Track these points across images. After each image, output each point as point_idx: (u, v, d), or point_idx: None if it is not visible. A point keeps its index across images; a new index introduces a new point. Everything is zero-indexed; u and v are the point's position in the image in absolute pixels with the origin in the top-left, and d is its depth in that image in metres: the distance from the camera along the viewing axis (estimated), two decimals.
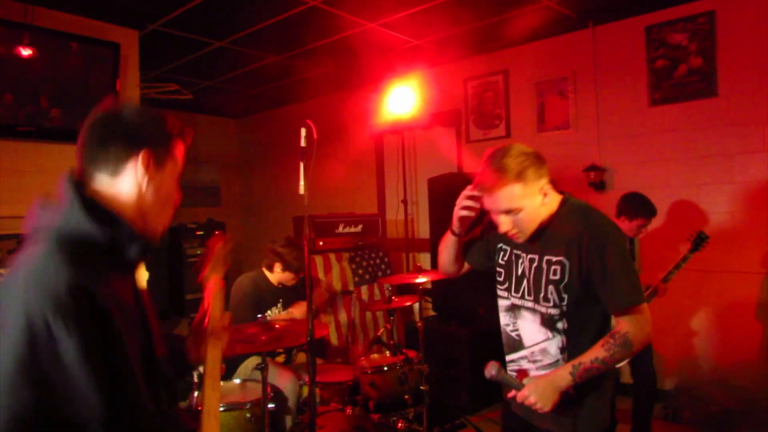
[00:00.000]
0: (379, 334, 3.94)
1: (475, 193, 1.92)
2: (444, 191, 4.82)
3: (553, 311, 1.82)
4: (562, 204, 1.90)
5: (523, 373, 1.92)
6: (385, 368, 3.17)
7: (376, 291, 4.94)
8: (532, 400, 1.75)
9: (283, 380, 3.18)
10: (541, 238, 1.87)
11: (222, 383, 3.04)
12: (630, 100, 4.62)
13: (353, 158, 6.70)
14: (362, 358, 3.57)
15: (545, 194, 1.84)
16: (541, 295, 1.85)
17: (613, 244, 1.76)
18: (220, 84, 6.34)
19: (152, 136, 1.33)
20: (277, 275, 3.61)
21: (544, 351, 1.88)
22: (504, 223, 1.84)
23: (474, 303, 4.67)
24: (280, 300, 3.65)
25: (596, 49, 4.78)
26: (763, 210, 4.00)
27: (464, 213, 2.02)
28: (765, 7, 3.97)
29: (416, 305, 3.84)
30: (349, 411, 3.11)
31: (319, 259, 4.61)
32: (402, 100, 5.10)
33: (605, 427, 1.91)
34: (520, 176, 1.79)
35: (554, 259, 1.82)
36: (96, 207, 1.22)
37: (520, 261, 1.95)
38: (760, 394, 3.79)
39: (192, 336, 1.55)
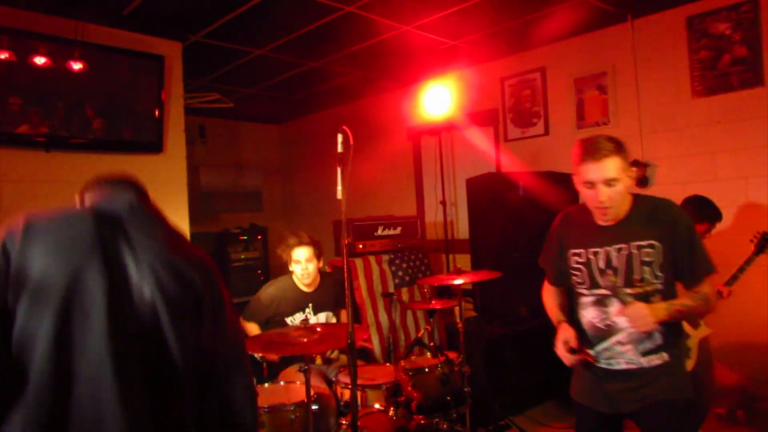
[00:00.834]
0: (419, 335, 3.95)
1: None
2: (483, 191, 4.80)
3: (649, 288, 2.09)
4: (636, 199, 2.18)
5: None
6: (426, 369, 3.18)
7: (417, 293, 4.95)
8: (636, 315, 2.02)
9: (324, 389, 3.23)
10: (625, 228, 2.13)
11: (266, 385, 3.13)
12: (672, 93, 4.51)
13: (391, 160, 6.74)
14: (403, 360, 3.59)
15: (632, 179, 2.16)
16: (635, 277, 2.10)
17: (691, 224, 2.12)
18: (260, 91, 6.47)
19: None
20: (294, 272, 3.64)
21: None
22: (602, 193, 2.06)
23: (516, 303, 4.64)
24: (309, 304, 3.68)
25: (635, 42, 4.69)
26: None
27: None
28: None
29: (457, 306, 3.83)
30: (391, 412, 3.14)
31: (359, 262, 4.66)
32: (439, 100, 5.11)
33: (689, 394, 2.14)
34: (621, 151, 2.09)
35: (645, 243, 2.09)
36: None
37: (599, 256, 2.18)
38: None
39: None
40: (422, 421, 3.11)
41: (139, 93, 4.31)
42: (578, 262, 2.25)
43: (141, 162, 4.41)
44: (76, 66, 3.89)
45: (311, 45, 4.97)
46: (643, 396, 2.12)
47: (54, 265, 1.26)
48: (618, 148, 2.08)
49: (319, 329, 2.82)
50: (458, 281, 3.51)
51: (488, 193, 4.75)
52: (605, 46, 4.91)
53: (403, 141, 6.67)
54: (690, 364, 3.00)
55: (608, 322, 2.18)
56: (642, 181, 4.65)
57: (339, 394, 3.23)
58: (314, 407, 2.75)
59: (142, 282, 1.32)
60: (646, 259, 2.08)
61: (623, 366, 2.16)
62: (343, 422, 3.08)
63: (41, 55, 3.73)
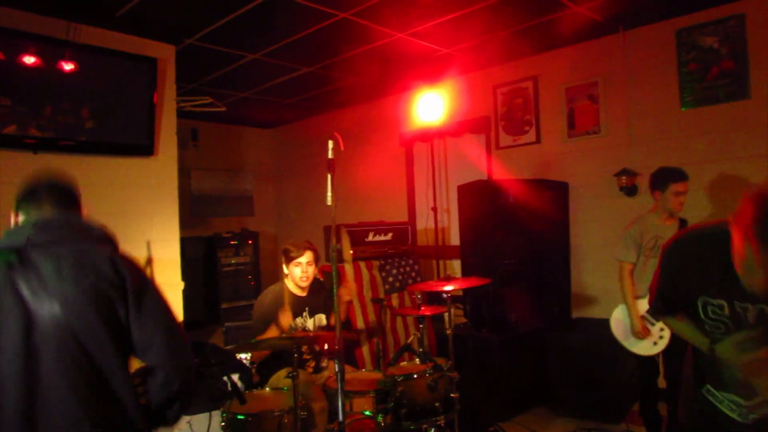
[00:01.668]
0: (409, 341, 3.95)
1: None
2: (474, 198, 4.82)
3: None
4: None
5: None
6: (415, 376, 3.18)
7: (407, 299, 4.96)
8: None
9: (313, 394, 3.23)
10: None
11: (254, 392, 3.13)
12: (661, 104, 4.56)
13: (383, 166, 6.75)
14: (392, 366, 3.59)
15: None
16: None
17: None
18: (254, 95, 6.47)
19: None
20: (290, 278, 3.64)
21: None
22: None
23: (505, 310, 4.66)
24: (306, 308, 3.69)
25: (626, 53, 4.74)
26: None
27: None
28: None
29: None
30: (380, 419, 3.14)
31: (349, 267, 4.66)
32: (431, 108, 5.13)
33: None
34: None
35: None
36: None
37: (748, 313, 1.75)
38: None
39: None
40: (411, 428, 3.11)
41: (131, 95, 4.29)
42: (718, 314, 1.85)
43: (132, 165, 4.40)
44: (67, 67, 3.87)
45: (305, 50, 4.98)
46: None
47: None
48: None
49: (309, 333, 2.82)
50: (448, 288, 3.52)
51: (479, 200, 4.77)
52: (597, 57, 4.96)
53: (395, 147, 6.69)
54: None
55: None
56: (631, 191, 4.69)
57: (327, 400, 3.23)
58: (302, 414, 2.74)
59: (51, 299, 1.57)
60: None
61: None
62: (332, 428, 3.08)
63: (31, 54, 3.70)
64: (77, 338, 1.56)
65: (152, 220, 4.52)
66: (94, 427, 1.55)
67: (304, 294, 3.70)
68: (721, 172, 4.25)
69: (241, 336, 6.03)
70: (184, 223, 4.98)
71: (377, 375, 3.53)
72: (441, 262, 5.50)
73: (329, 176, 2.47)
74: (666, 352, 3.46)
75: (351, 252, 4.72)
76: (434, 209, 5.39)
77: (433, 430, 3.17)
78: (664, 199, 3.49)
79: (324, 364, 3.71)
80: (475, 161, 5.83)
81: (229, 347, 3.59)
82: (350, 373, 3.53)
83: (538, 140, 5.39)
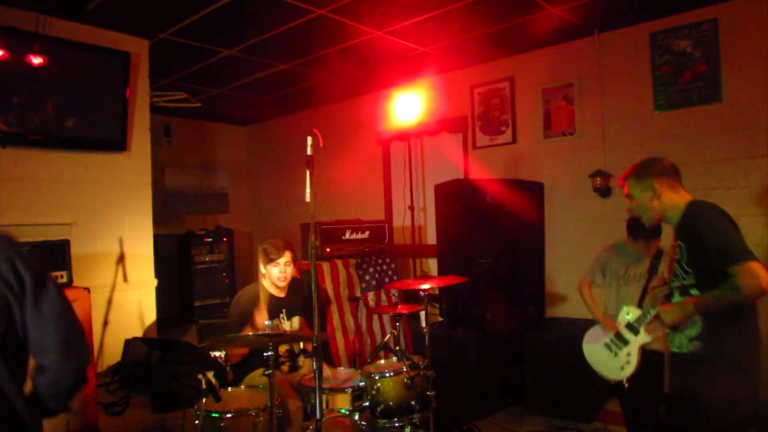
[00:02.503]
0: (385, 339, 3.95)
1: None
2: (451, 197, 4.84)
3: (686, 281, 2.36)
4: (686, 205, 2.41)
5: None
6: (391, 374, 3.18)
7: (383, 297, 4.96)
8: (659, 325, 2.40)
9: (288, 392, 3.20)
10: (676, 230, 2.44)
11: (229, 389, 3.09)
12: (635, 106, 4.63)
13: (360, 165, 6.74)
14: (368, 364, 3.58)
15: (654, 191, 2.44)
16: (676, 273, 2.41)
17: (702, 221, 2.29)
18: (229, 91, 6.40)
19: None
20: (268, 278, 3.60)
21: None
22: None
23: (481, 308, 4.69)
24: (283, 310, 3.66)
25: (602, 55, 4.80)
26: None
27: None
28: (766, 14, 3.99)
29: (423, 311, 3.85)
30: (356, 417, 3.13)
31: (326, 266, 4.64)
32: (409, 106, 5.14)
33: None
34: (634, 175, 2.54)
35: (679, 243, 2.38)
36: None
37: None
38: None
39: None
40: (386, 425, 3.11)
41: (103, 90, 4.22)
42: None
43: (104, 160, 4.32)
44: (36, 60, 3.78)
45: (282, 47, 4.94)
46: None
47: None
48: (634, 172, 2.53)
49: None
50: (425, 286, 3.52)
51: (456, 200, 4.79)
52: (572, 58, 5.02)
53: (372, 146, 6.68)
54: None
55: None
56: (605, 192, 4.76)
57: (303, 399, 3.20)
58: (278, 412, 2.72)
59: None
60: (677, 257, 2.39)
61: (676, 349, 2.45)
62: (308, 426, 3.06)
63: None
64: None
65: (125, 217, 4.44)
66: None
67: (282, 294, 3.66)
68: (693, 174, 4.33)
69: (216, 333, 5.96)
70: (158, 220, 4.90)
71: (354, 373, 3.52)
72: (418, 261, 5.51)
73: (308, 173, 2.45)
74: (633, 378, 3.22)
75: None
76: (411, 208, 5.41)
77: (408, 427, 3.17)
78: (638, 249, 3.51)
79: (300, 362, 3.69)
80: (452, 161, 5.86)
81: (202, 344, 3.54)
82: (326, 371, 3.51)
83: (514, 140, 5.44)
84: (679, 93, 4.37)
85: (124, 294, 4.39)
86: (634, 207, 2.55)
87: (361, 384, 3.22)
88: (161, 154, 7.04)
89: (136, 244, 4.50)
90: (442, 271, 4.86)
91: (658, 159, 2.54)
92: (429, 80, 5.90)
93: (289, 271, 3.58)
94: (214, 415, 2.71)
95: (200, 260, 6.82)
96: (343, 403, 3.20)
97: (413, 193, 5.53)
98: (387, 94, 6.05)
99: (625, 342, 3.07)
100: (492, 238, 4.80)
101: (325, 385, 3.14)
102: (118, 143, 4.30)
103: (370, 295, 4.88)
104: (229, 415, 2.71)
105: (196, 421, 2.76)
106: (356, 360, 4.12)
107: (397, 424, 3.12)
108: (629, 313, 3.04)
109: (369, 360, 3.84)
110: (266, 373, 2.65)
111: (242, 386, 3.20)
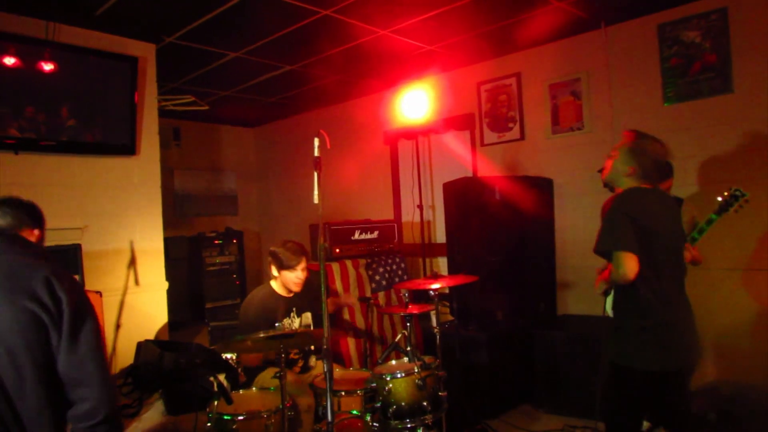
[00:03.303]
0: (396, 340, 3.95)
1: None
2: (459, 195, 4.82)
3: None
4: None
5: None
6: (403, 374, 3.18)
7: (394, 297, 4.95)
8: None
9: (300, 393, 3.21)
10: None
11: (241, 392, 3.10)
12: (644, 99, 4.59)
13: (368, 164, 6.74)
14: (380, 365, 3.58)
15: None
16: None
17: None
18: (236, 94, 6.42)
19: None
20: (280, 280, 3.61)
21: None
22: None
23: (492, 307, 4.67)
24: (293, 308, 3.67)
25: (609, 48, 4.76)
26: None
27: None
28: None
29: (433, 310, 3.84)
30: (367, 418, 3.13)
31: (335, 267, 4.64)
32: (416, 105, 5.12)
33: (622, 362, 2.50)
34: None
35: None
36: None
37: None
38: None
39: None
40: (398, 426, 3.10)
41: (112, 95, 4.24)
42: None
43: (114, 165, 4.34)
44: (47, 67, 3.82)
45: (288, 48, 4.94)
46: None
47: None
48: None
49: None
50: (435, 286, 3.51)
51: (465, 197, 4.77)
52: (579, 53, 4.98)
53: (380, 145, 6.67)
54: None
55: None
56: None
57: (315, 400, 3.21)
58: (289, 413, 2.73)
59: None
60: None
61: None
62: (320, 428, 3.06)
63: (11, 55, 3.65)
64: None
65: (135, 220, 4.47)
66: None
67: (290, 295, 3.68)
68: (704, 166, 4.29)
69: (227, 335, 5.99)
70: (168, 223, 4.93)
71: (365, 374, 3.52)
72: (427, 260, 5.49)
73: (316, 174, 2.44)
74: None
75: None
76: (420, 207, 5.39)
77: (420, 428, 3.16)
78: None
79: (312, 363, 3.69)
80: (459, 158, 5.84)
81: (214, 347, 3.55)
82: (338, 372, 3.52)
83: (522, 137, 5.41)
84: (689, 85, 4.32)
85: (135, 297, 4.41)
86: (609, 164, 2.80)
87: (373, 385, 3.22)
88: (170, 157, 7.09)
89: (147, 247, 4.52)
90: (452, 269, 4.85)
91: (659, 151, 2.69)
92: (435, 78, 5.89)
93: (304, 275, 3.59)
94: (226, 417, 2.72)
95: (210, 262, 6.85)
96: (354, 404, 3.20)
97: (422, 191, 5.51)
98: (393, 93, 6.03)
99: None
100: (502, 235, 4.77)
101: (336, 387, 3.14)
102: (127, 147, 4.33)
103: (381, 296, 4.88)
104: (241, 417, 2.72)
105: (209, 424, 2.78)
106: (367, 361, 4.11)
107: (409, 425, 3.11)
108: None
109: (380, 361, 3.85)
110: (278, 375, 2.66)
111: (253, 388, 3.21)
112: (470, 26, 4.66)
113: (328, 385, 2.38)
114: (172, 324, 4.84)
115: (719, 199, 3.18)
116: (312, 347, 3.65)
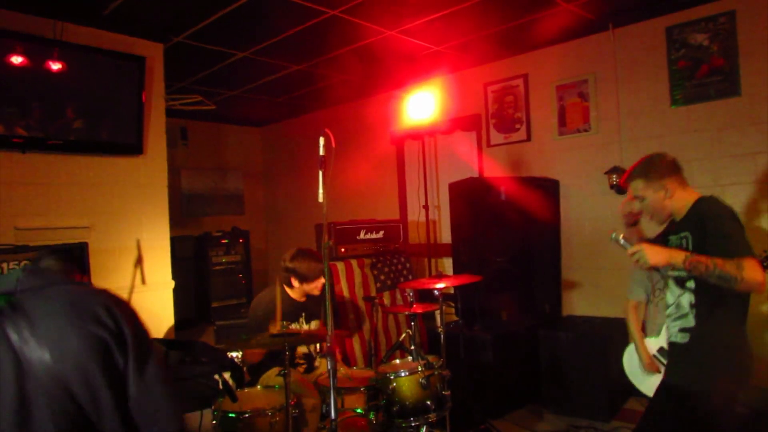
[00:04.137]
0: (400, 339, 3.95)
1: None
2: (465, 196, 4.82)
3: (683, 273, 2.36)
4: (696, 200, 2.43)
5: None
6: (407, 373, 3.18)
7: (398, 297, 4.96)
8: (640, 252, 2.26)
9: (305, 392, 3.22)
10: (679, 224, 2.46)
11: (246, 390, 3.11)
12: (651, 101, 4.58)
13: (374, 164, 6.74)
14: (384, 364, 3.59)
15: (666, 191, 2.45)
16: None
17: (712, 212, 2.31)
18: (243, 93, 6.44)
19: None
20: (298, 289, 3.63)
21: (679, 305, 2.45)
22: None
23: (497, 307, 4.67)
24: (303, 313, 3.67)
25: (617, 50, 4.75)
26: None
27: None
28: None
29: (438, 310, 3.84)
30: (371, 416, 3.13)
31: (341, 266, 4.65)
32: (422, 105, 5.13)
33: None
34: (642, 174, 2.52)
35: (682, 234, 2.40)
36: None
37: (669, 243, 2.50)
38: None
39: None
40: (402, 425, 3.11)
41: (120, 94, 4.26)
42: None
43: (121, 164, 4.36)
44: (55, 66, 3.83)
45: (295, 48, 4.96)
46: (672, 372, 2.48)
47: None
48: (643, 173, 2.50)
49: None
50: (440, 285, 3.52)
51: (470, 198, 4.77)
52: (587, 54, 4.98)
53: (386, 145, 6.68)
54: None
55: (665, 297, 2.60)
56: (622, 189, 4.71)
57: (320, 398, 3.22)
58: (294, 412, 2.74)
59: (41, 346, 1.46)
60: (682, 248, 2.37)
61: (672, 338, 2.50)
62: (324, 426, 3.07)
63: (18, 54, 3.66)
64: (70, 389, 1.46)
65: (142, 220, 4.49)
66: None
67: (302, 299, 3.69)
68: (712, 170, 4.28)
69: (233, 335, 6.01)
70: (175, 222, 4.95)
71: (369, 372, 3.53)
72: (432, 260, 5.49)
73: (321, 173, 2.46)
74: None
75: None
76: (425, 207, 5.39)
77: (424, 427, 3.17)
78: None
79: (316, 363, 3.70)
80: (466, 159, 5.83)
81: (220, 345, 3.57)
82: (342, 370, 3.53)
83: (528, 138, 5.40)
84: (697, 87, 4.31)
85: (142, 296, 4.43)
86: (643, 208, 2.55)
87: (377, 383, 3.23)
88: (177, 156, 7.12)
89: (154, 246, 4.54)
90: (457, 270, 4.85)
91: (661, 156, 2.54)
92: (442, 79, 5.89)
93: (323, 280, 3.60)
94: (231, 415, 2.74)
95: (217, 261, 6.87)
96: (358, 402, 3.21)
97: (427, 192, 5.51)
98: (400, 94, 6.03)
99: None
100: (507, 236, 4.77)
101: (340, 385, 3.15)
102: (134, 146, 4.35)
103: (386, 295, 4.89)
104: (246, 415, 2.74)
105: (214, 422, 2.79)
106: (372, 360, 4.12)
107: (413, 424, 3.12)
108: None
109: (384, 360, 3.85)
110: (282, 373, 2.67)
111: (258, 386, 3.23)
112: (477, 27, 4.66)
113: (331, 382, 2.39)
114: (178, 323, 4.86)
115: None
116: (318, 347, 3.65)
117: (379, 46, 4.98)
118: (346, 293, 4.58)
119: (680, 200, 2.45)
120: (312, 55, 5.19)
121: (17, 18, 3.83)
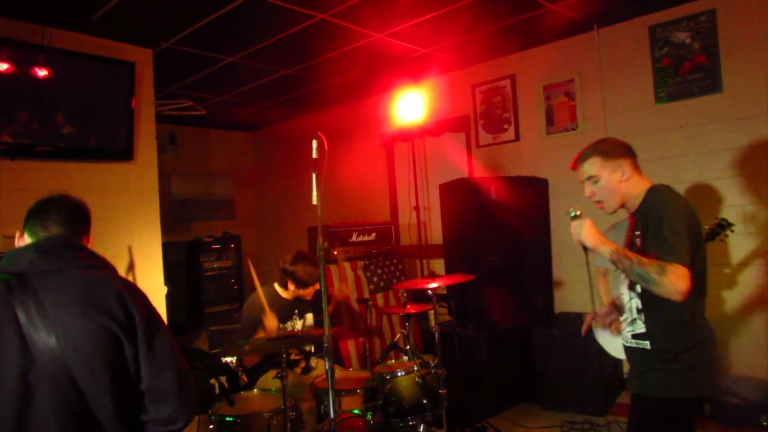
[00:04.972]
0: (395, 339, 3.97)
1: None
2: (455, 196, 4.86)
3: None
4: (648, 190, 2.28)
5: None
6: (402, 373, 3.20)
7: (392, 298, 4.98)
8: (580, 224, 2.27)
9: (302, 394, 3.23)
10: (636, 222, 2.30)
11: (242, 393, 3.12)
12: (637, 99, 4.64)
13: (365, 167, 6.76)
14: (379, 365, 3.60)
15: (623, 173, 2.28)
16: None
17: (653, 219, 2.13)
18: (232, 98, 6.44)
19: None
20: (292, 292, 3.65)
21: (630, 309, 2.33)
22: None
23: (489, 306, 4.70)
24: (296, 311, 3.69)
25: (602, 50, 4.82)
26: None
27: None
28: (762, 3, 4.01)
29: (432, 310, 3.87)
30: (368, 417, 3.15)
31: (333, 269, 4.66)
32: (411, 107, 5.16)
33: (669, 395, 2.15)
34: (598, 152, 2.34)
35: (636, 233, 2.25)
36: None
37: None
38: None
39: None
40: (399, 424, 3.13)
41: (109, 100, 4.24)
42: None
43: (111, 170, 4.35)
44: (42, 72, 3.80)
45: (284, 52, 4.97)
46: (630, 381, 2.35)
47: None
48: (599, 151, 2.32)
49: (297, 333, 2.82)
50: (433, 285, 3.54)
51: (461, 199, 4.81)
52: (572, 54, 5.04)
53: (376, 147, 6.71)
54: None
55: (620, 296, 2.44)
56: None
57: (317, 400, 3.23)
58: (291, 414, 2.75)
59: (48, 331, 1.48)
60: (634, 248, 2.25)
61: (626, 343, 2.37)
62: (321, 428, 3.08)
63: (4, 60, 3.63)
64: (72, 377, 1.48)
65: (133, 225, 4.48)
66: None
67: (292, 298, 3.71)
68: (696, 165, 4.35)
69: (226, 339, 5.99)
70: (165, 228, 4.93)
71: (365, 374, 3.54)
72: (424, 261, 5.52)
73: (314, 176, 2.48)
74: None
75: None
76: (416, 208, 5.42)
77: (421, 426, 3.19)
78: None
79: (313, 364, 3.71)
80: (455, 160, 5.87)
81: (215, 351, 3.58)
82: (338, 372, 3.54)
83: (517, 138, 5.45)
84: (680, 85, 4.38)
85: None
86: (596, 190, 2.34)
87: (373, 384, 3.24)
88: (167, 162, 7.09)
89: (145, 252, 4.53)
90: (449, 270, 4.88)
91: (615, 138, 2.40)
92: (430, 81, 5.93)
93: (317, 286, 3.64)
94: (228, 419, 2.74)
95: (208, 267, 6.84)
96: (355, 403, 3.22)
97: (418, 193, 5.54)
98: (389, 96, 6.06)
99: None
100: (498, 235, 4.81)
101: (337, 387, 3.17)
102: (124, 152, 4.33)
103: (379, 297, 4.91)
104: (242, 419, 2.74)
105: (211, 426, 2.79)
106: (367, 361, 4.14)
107: (410, 423, 3.14)
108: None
109: (380, 360, 3.87)
110: (279, 375, 2.68)
111: (255, 390, 3.23)
112: (465, 29, 4.70)
113: (330, 383, 2.40)
114: (171, 329, 4.83)
115: (705, 227, 3.21)
116: (312, 348, 3.67)
117: (367, 50, 5.00)
118: (339, 296, 4.59)
119: (635, 186, 2.28)
120: (301, 59, 5.20)
121: (4, 24, 3.80)
